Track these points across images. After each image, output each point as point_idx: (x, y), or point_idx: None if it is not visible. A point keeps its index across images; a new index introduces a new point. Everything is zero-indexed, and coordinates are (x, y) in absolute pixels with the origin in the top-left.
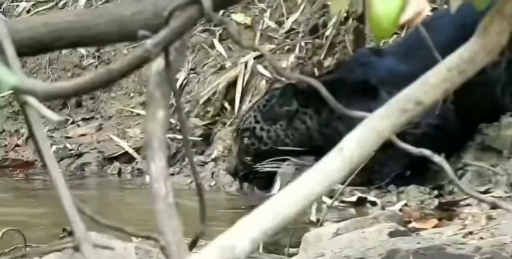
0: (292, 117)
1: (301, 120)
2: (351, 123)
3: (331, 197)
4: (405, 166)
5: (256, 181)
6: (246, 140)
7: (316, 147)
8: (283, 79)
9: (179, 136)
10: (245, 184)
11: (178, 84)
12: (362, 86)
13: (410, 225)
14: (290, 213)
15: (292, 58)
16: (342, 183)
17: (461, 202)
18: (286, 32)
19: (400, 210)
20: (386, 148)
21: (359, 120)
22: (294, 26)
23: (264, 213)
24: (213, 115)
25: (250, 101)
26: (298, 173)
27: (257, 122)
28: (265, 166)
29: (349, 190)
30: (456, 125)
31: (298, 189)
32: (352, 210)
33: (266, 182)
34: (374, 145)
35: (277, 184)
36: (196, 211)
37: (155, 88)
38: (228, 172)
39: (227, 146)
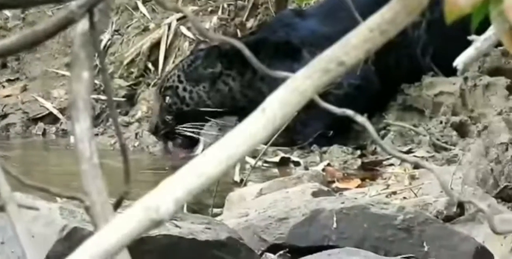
0: (216, 79)
1: (224, 82)
2: (274, 84)
3: (254, 157)
4: (328, 126)
5: (179, 140)
6: (168, 99)
7: (239, 108)
8: (207, 40)
9: (103, 97)
10: (169, 144)
11: (102, 45)
12: (284, 47)
13: (334, 185)
14: (214, 173)
15: (215, 19)
16: (265, 144)
17: (384, 162)
18: None
19: (323, 170)
20: (309, 108)
21: (282, 80)
22: None
23: (188, 173)
24: (137, 76)
25: (173, 62)
26: (221, 134)
27: (180, 81)
28: (187, 130)
29: (272, 150)
30: (377, 86)
31: (222, 149)
32: (276, 170)
33: (189, 142)
34: (297, 105)
35: (200, 145)
36: (121, 171)
37: (79, 49)
38: (149, 130)
39: (151, 107)
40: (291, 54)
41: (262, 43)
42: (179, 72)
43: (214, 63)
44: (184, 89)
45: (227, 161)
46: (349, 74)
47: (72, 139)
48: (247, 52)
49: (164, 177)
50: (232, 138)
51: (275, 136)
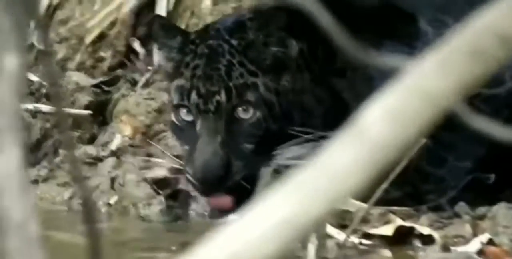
0: (292, 66)
1: (300, 71)
2: (364, 84)
3: (343, 227)
4: (484, 165)
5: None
6: (244, 112)
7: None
8: None
9: (48, 107)
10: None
11: (44, 6)
12: (387, 13)
13: None
14: (261, 254)
15: None
16: (364, 200)
17: None
18: None
19: (481, 252)
20: (448, 129)
21: (384, 76)
22: None
23: (212, 256)
24: (112, 66)
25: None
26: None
27: (252, 74)
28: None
29: (380, 212)
30: None
31: (275, 210)
32: (386, 252)
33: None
34: (424, 122)
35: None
36: (81, 249)
37: (1, 15)
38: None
39: (140, 128)
40: (402, 25)
41: (347, 5)
42: (235, 57)
43: (280, 34)
44: (267, 88)
45: (287, 232)
46: None
47: None
48: (325, 17)
49: None
50: (296, 186)
51: (385, 185)
